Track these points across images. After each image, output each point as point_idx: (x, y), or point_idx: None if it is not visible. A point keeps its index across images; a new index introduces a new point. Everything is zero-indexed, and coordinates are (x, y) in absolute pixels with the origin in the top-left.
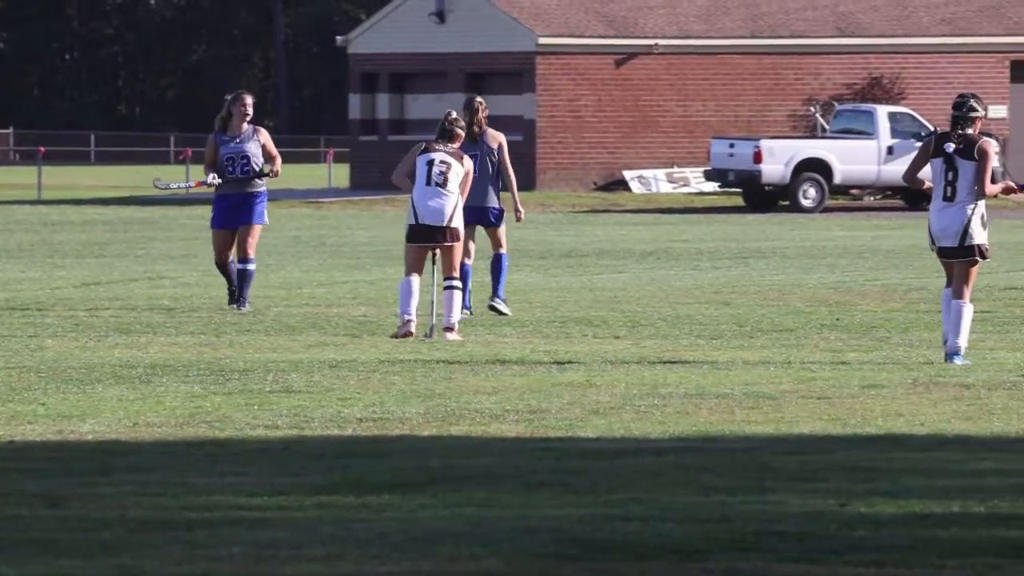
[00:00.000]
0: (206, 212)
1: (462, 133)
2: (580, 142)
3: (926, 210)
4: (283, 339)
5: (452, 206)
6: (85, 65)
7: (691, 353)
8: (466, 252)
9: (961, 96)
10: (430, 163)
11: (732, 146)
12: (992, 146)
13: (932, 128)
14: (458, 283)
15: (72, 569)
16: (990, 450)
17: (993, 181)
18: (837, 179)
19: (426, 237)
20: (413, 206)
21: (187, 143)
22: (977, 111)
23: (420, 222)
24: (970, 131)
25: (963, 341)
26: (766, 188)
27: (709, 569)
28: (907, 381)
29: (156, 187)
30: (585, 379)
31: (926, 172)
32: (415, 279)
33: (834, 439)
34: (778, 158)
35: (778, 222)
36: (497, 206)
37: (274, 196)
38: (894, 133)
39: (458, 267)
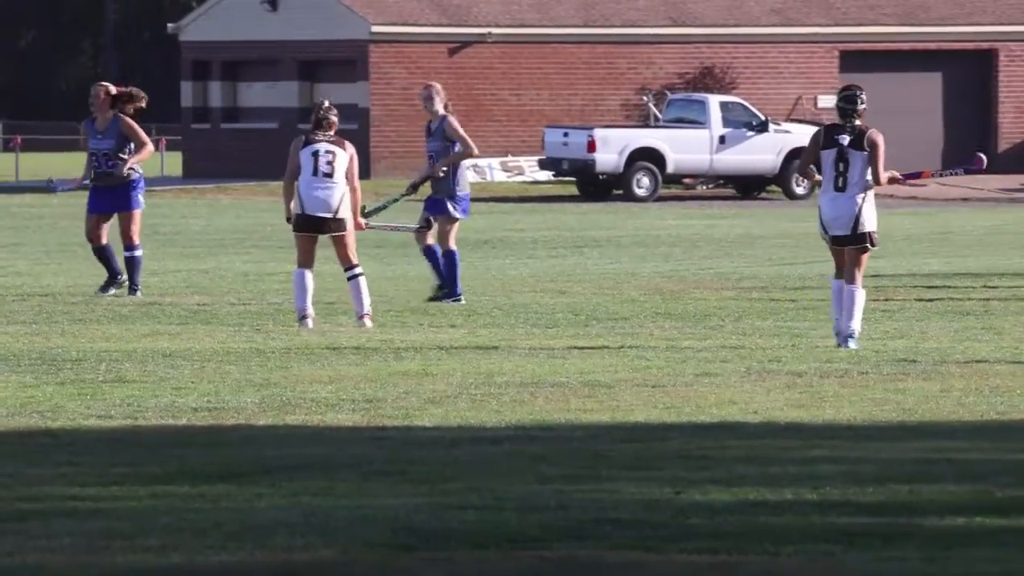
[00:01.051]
0: (35, 200)
1: (336, 120)
2: (414, 130)
3: (756, 199)
4: (116, 328)
5: (339, 196)
6: None
7: (527, 342)
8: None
9: (848, 88)
10: (315, 154)
11: (566, 135)
12: (881, 137)
13: (763, 117)
14: (359, 270)
15: None
16: (822, 438)
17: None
18: (670, 168)
19: (313, 227)
20: (300, 197)
21: (17, 130)
22: (864, 103)
23: (306, 212)
24: (859, 122)
25: (856, 325)
26: (600, 177)
27: (545, 557)
28: (740, 369)
29: (51, 189)
30: (421, 368)
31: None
32: (307, 272)
33: (669, 427)
34: (612, 147)
35: (612, 211)
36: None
37: None
38: (726, 122)
39: (355, 255)
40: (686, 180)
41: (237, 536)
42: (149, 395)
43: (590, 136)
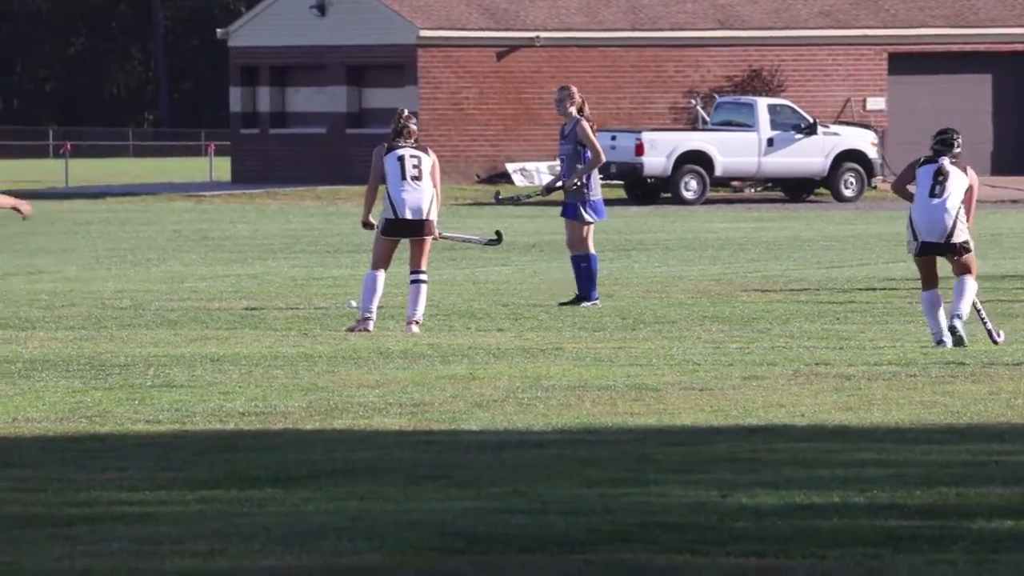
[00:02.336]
0: (84, 206)
1: (415, 128)
2: (462, 135)
3: (805, 202)
4: (164, 333)
5: (429, 199)
6: None
7: (574, 345)
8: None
9: (945, 131)
10: (401, 159)
11: (614, 138)
12: (977, 180)
13: (811, 120)
14: (425, 277)
15: None
16: (869, 440)
17: (873, 174)
18: (718, 171)
19: (405, 231)
20: (391, 201)
21: (66, 136)
22: (960, 146)
23: (400, 216)
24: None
25: (965, 308)
26: (648, 180)
27: (592, 561)
28: (788, 372)
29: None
30: (468, 372)
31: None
32: (382, 275)
33: (716, 430)
34: (660, 150)
35: (660, 214)
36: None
37: (154, 190)
38: (774, 125)
39: (426, 261)
40: (734, 183)
41: (285, 540)
42: (197, 400)
43: (638, 139)
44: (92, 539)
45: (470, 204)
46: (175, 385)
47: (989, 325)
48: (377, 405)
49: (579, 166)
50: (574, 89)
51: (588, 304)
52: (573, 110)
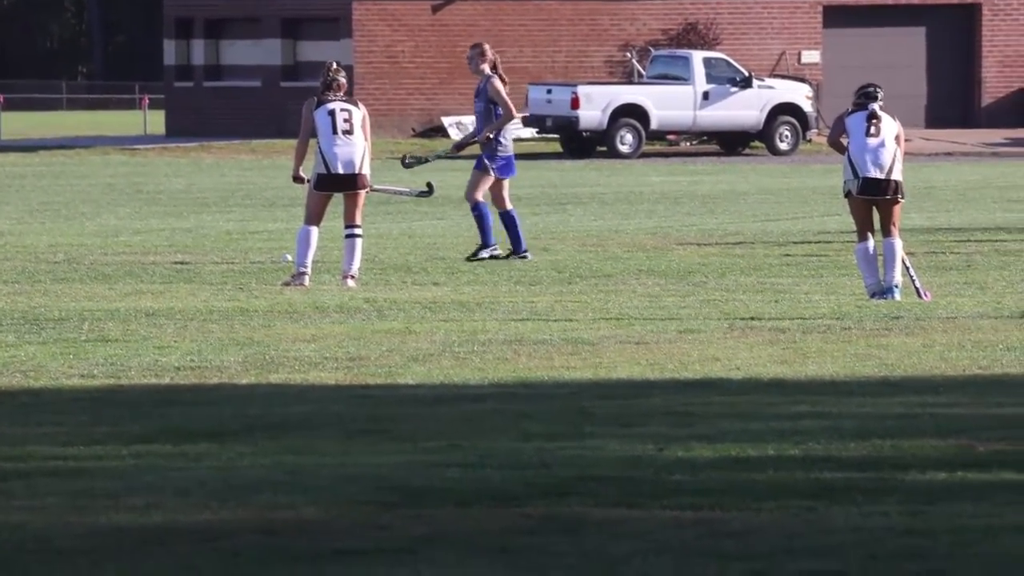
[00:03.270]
0: (18, 159)
1: (344, 82)
2: (398, 88)
3: (740, 155)
4: (99, 287)
5: (361, 153)
6: None
7: (510, 299)
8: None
9: (868, 85)
10: (331, 113)
11: (549, 92)
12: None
13: (746, 73)
14: (360, 231)
15: None
16: (804, 393)
17: (808, 127)
18: (654, 125)
19: (337, 185)
20: (323, 156)
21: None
22: (882, 99)
23: (332, 171)
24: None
25: (899, 275)
26: (583, 134)
27: (528, 514)
28: (723, 326)
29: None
30: (404, 326)
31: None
32: (316, 229)
33: (652, 384)
34: (595, 104)
35: (596, 168)
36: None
37: (88, 143)
38: (709, 79)
39: (360, 215)
40: (670, 136)
41: (220, 495)
42: (132, 354)
43: (574, 93)
44: (26, 494)
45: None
46: (110, 339)
47: (918, 284)
48: (313, 359)
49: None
50: (486, 46)
51: (518, 258)
52: (486, 67)
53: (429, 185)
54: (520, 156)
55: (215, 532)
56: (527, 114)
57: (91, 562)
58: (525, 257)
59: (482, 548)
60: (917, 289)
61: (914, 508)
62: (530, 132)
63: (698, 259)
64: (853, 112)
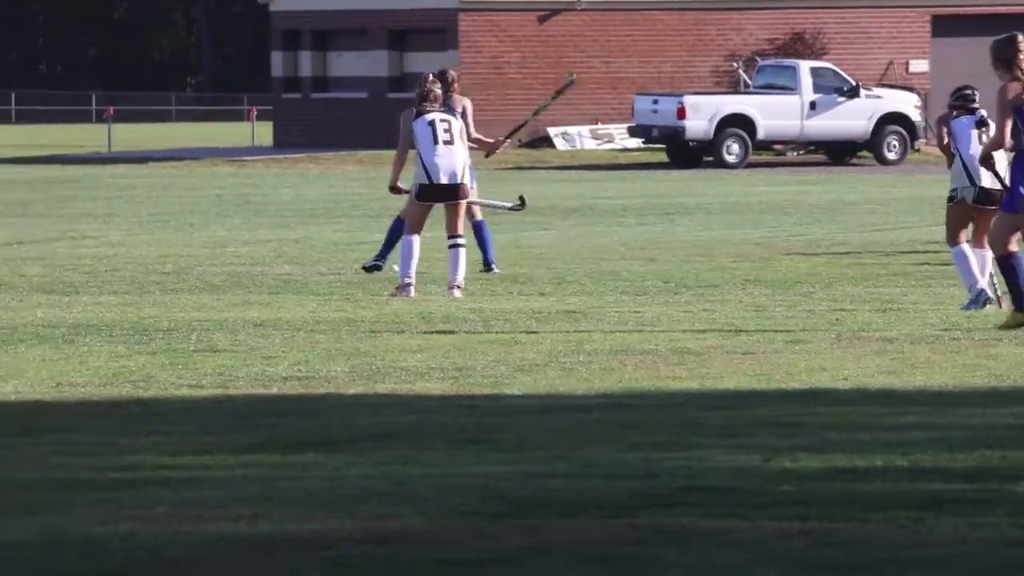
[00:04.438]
0: (128, 171)
1: (440, 93)
2: (504, 99)
3: (848, 165)
4: (207, 298)
5: (462, 163)
6: (5, 23)
7: (616, 310)
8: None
9: (964, 87)
10: (431, 124)
11: (656, 102)
12: None
13: (854, 83)
14: (463, 241)
15: None
16: (913, 404)
17: (916, 137)
18: (760, 135)
19: (439, 196)
20: (424, 166)
21: (110, 101)
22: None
23: (434, 181)
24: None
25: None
26: (690, 144)
27: (635, 525)
28: (831, 336)
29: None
30: (511, 336)
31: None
32: (418, 239)
33: (758, 394)
34: (702, 114)
35: (702, 178)
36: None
37: (196, 155)
38: (816, 88)
39: (462, 225)
40: (776, 146)
41: (327, 505)
42: (240, 364)
43: (680, 103)
44: (136, 503)
45: (511, 169)
46: (218, 350)
47: (999, 292)
48: (419, 369)
49: None
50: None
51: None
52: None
53: (521, 198)
54: (626, 166)
55: (322, 542)
56: (633, 124)
57: (199, 572)
58: (494, 270)
59: (588, 558)
60: (998, 297)
61: (1023, 520)
62: (636, 142)
63: (805, 269)
64: (956, 116)
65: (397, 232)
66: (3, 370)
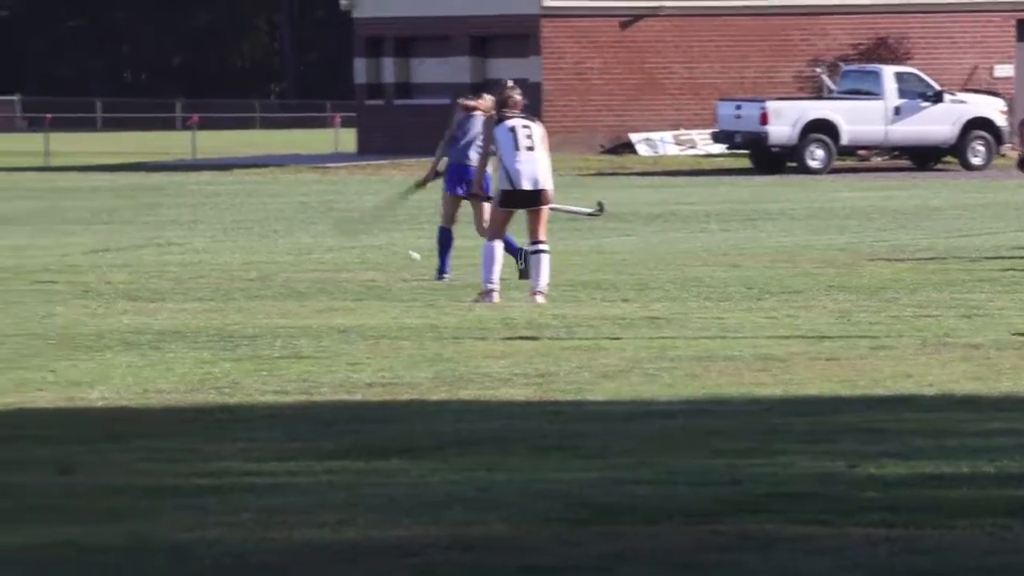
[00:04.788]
0: (212, 178)
1: (520, 99)
2: (586, 105)
3: (932, 170)
4: (292, 304)
5: (545, 168)
6: (90, 31)
7: (699, 316)
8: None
9: None
10: (512, 130)
11: (738, 108)
12: None
13: (938, 88)
14: (546, 247)
15: (82, 536)
16: (999, 410)
17: (1002, 142)
18: (844, 140)
19: (522, 201)
20: (507, 173)
21: (193, 109)
22: None
23: (517, 187)
24: None
25: None
26: (773, 150)
27: (719, 531)
28: (916, 342)
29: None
30: (594, 343)
31: None
32: (500, 245)
33: (843, 400)
34: (785, 119)
35: (786, 184)
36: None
37: (280, 161)
38: (901, 93)
39: (546, 231)
40: (860, 152)
41: (411, 511)
42: (324, 371)
43: (763, 108)
44: (222, 509)
45: (594, 175)
46: (302, 356)
47: None
48: (503, 376)
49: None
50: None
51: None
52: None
53: (600, 204)
54: (709, 172)
55: (407, 548)
56: (716, 130)
57: None
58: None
59: (673, 565)
60: None
61: None
62: (720, 148)
63: (890, 275)
64: None
65: (446, 238)
66: (90, 376)
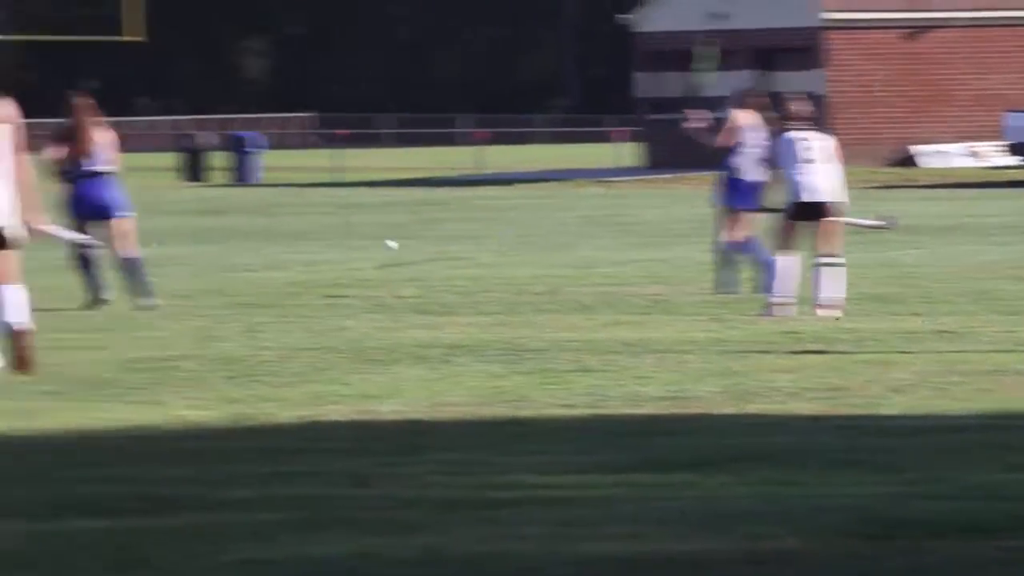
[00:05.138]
0: (498, 192)
1: (800, 111)
2: (870, 118)
3: None
4: (578, 318)
5: (834, 180)
6: (371, 46)
7: (990, 329)
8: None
9: None
10: (799, 141)
11: None
12: None
13: None
14: (839, 260)
15: (377, 548)
16: None
17: None
18: None
19: (812, 213)
20: (795, 184)
21: (477, 124)
22: None
23: (807, 199)
24: None
25: None
26: None
27: (1017, 548)
28: None
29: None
30: (883, 356)
31: None
32: (797, 259)
33: None
34: None
35: None
36: None
37: (562, 176)
38: None
39: (840, 244)
40: None
41: (702, 525)
42: (612, 384)
43: None
44: (513, 522)
45: (879, 187)
46: (590, 370)
47: None
48: (791, 389)
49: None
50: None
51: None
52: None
53: (891, 217)
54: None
55: (697, 562)
56: (1008, 142)
57: None
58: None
59: None
60: None
61: None
62: (1012, 160)
63: None
64: None
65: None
66: (382, 389)
